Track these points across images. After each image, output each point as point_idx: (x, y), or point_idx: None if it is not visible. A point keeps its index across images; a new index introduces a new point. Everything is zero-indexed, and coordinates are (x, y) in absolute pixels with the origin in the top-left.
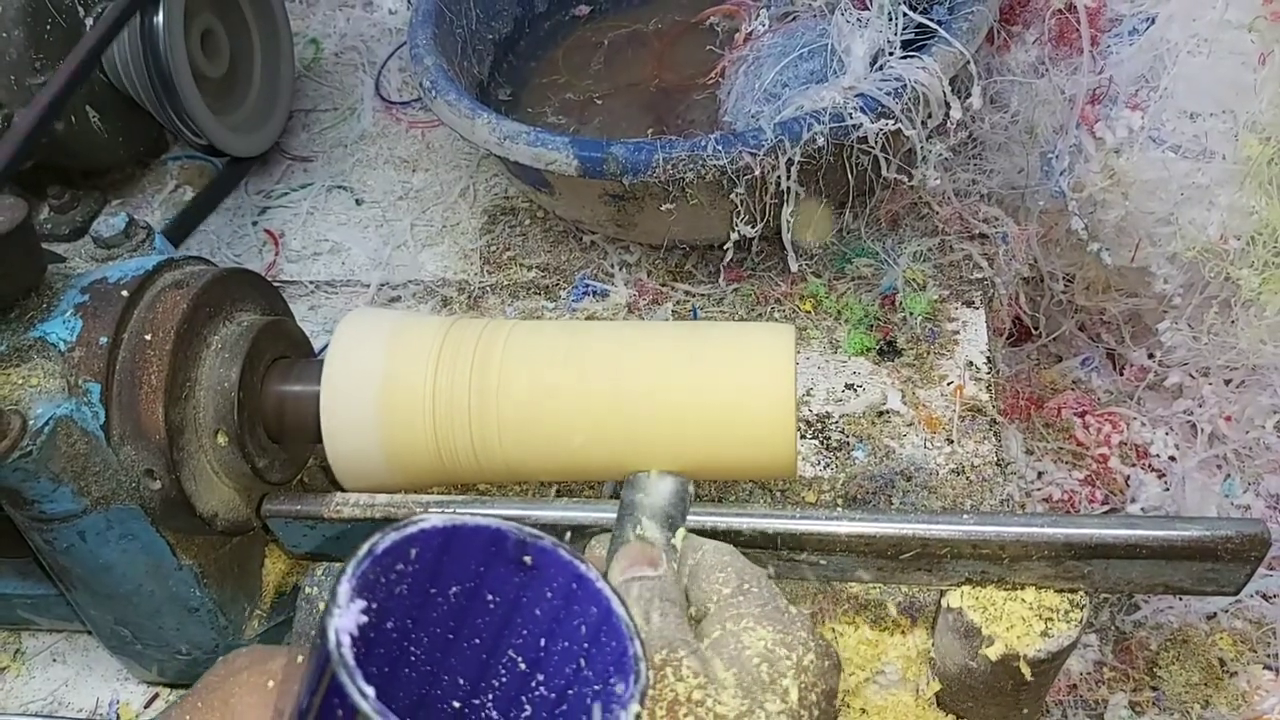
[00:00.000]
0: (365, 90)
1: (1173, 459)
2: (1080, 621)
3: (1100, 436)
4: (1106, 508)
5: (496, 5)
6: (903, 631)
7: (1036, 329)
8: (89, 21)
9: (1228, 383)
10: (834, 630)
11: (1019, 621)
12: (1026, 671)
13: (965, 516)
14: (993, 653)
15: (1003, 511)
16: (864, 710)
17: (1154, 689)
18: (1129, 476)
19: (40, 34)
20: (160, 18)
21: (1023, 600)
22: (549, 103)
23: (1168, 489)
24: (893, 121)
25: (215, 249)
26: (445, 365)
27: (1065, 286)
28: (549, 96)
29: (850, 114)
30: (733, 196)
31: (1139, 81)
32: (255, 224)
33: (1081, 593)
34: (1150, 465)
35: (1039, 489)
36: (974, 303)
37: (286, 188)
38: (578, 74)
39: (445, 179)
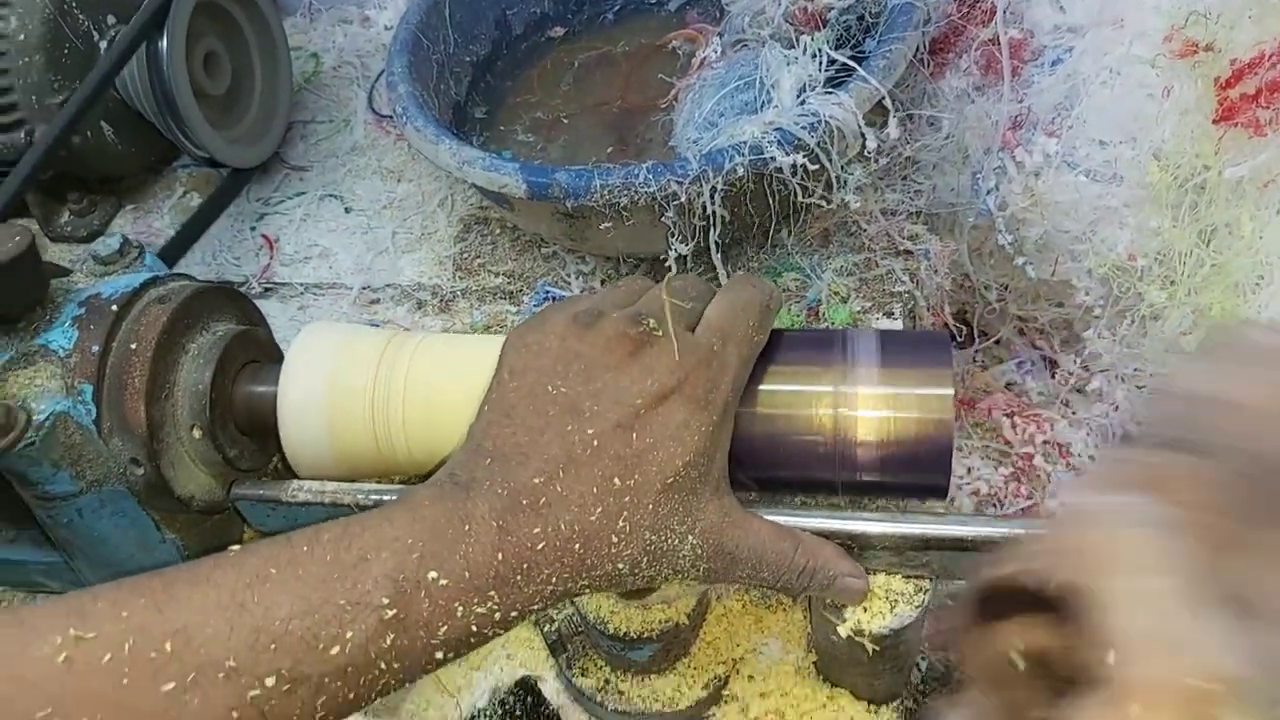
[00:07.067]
0: (359, 103)
1: (1091, 458)
2: (922, 604)
3: (1025, 436)
4: (1030, 502)
5: (474, 30)
6: (785, 609)
7: (963, 336)
8: (103, 45)
9: (1141, 388)
10: (724, 606)
11: (874, 602)
12: (869, 646)
13: (818, 511)
14: (843, 630)
15: (851, 507)
16: (751, 677)
17: None
18: (1050, 474)
19: (59, 58)
20: (165, 43)
21: (876, 584)
22: (520, 121)
23: None
24: (805, 154)
25: (216, 252)
26: (383, 372)
27: (999, 295)
28: (521, 115)
29: (767, 147)
30: (664, 219)
31: (1056, 110)
32: (254, 229)
33: (926, 578)
34: (1070, 464)
35: (968, 484)
36: (894, 314)
37: (283, 195)
38: (549, 94)
39: (427, 189)
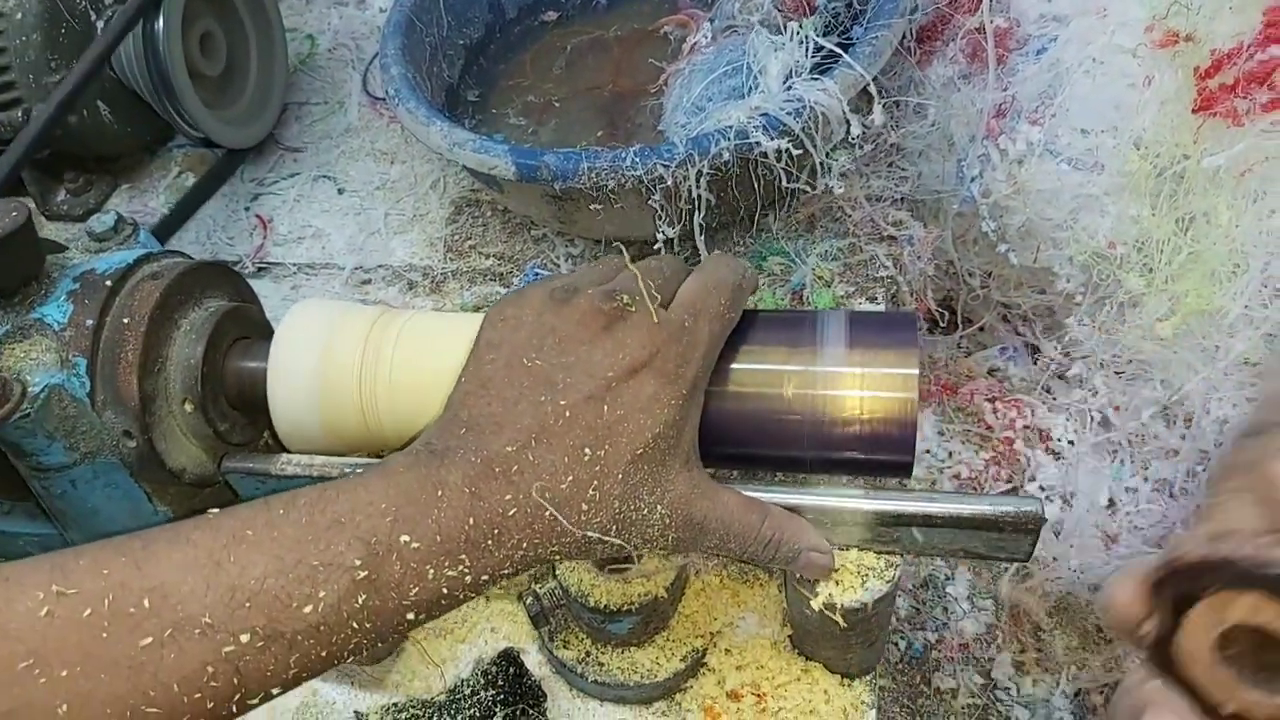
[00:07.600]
0: (353, 85)
1: (1071, 443)
2: (893, 579)
3: (1006, 421)
4: (1010, 485)
5: (468, 13)
6: (761, 584)
7: (946, 322)
8: (99, 24)
9: (1119, 374)
10: (702, 581)
11: (846, 576)
12: (840, 620)
13: (792, 487)
14: (815, 603)
15: (825, 483)
16: (727, 650)
17: (1038, 650)
18: (1029, 458)
19: (56, 37)
20: (160, 23)
21: (848, 560)
22: (513, 104)
23: (1064, 470)
24: (789, 140)
25: (211, 232)
26: (371, 348)
27: (983, 282)
28: (513, 99)
29: (752, 132)
30: (651, 202)
31: (1039, 98)
32: (248, 209)
33: (897, 554)
34: (1050, 448)
35: (949, 467)
36: (877, 299)
37: (277, 176)
38: (541, 77)
39: (419, 171)
